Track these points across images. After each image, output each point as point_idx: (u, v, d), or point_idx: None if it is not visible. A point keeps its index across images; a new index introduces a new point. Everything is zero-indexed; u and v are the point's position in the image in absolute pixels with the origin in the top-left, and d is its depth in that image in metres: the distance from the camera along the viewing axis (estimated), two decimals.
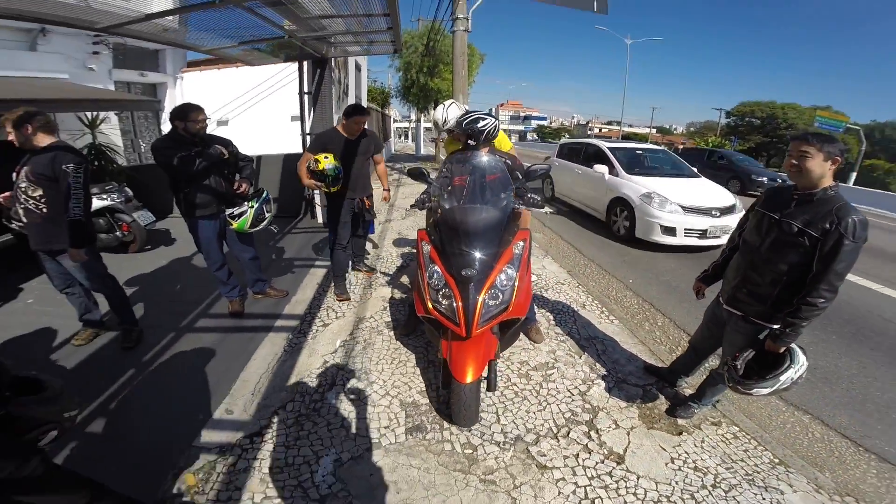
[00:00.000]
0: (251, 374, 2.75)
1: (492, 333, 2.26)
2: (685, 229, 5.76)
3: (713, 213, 5.87)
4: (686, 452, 2.29)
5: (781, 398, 2.89)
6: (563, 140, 11.45)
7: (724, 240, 5.58)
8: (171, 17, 3.26)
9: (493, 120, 2.71)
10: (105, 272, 2.94)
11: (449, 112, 3.12)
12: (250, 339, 3.16)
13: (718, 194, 6.39)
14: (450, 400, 2.22)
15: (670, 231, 5.79)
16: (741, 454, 2.30)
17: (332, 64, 5.79)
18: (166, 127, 9.62)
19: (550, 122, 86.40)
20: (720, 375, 2.20)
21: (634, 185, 6.41)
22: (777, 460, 2.27)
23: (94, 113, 6.24)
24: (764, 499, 2.03)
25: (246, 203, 3.30)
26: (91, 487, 1.44)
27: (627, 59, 38.64)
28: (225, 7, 2.90)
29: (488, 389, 2.24)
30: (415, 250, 5.35)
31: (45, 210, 2.57)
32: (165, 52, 9.17)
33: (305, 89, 5.82)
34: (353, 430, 2.30)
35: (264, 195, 3.43)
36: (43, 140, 2.55)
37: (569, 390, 2.74)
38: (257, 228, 3.38)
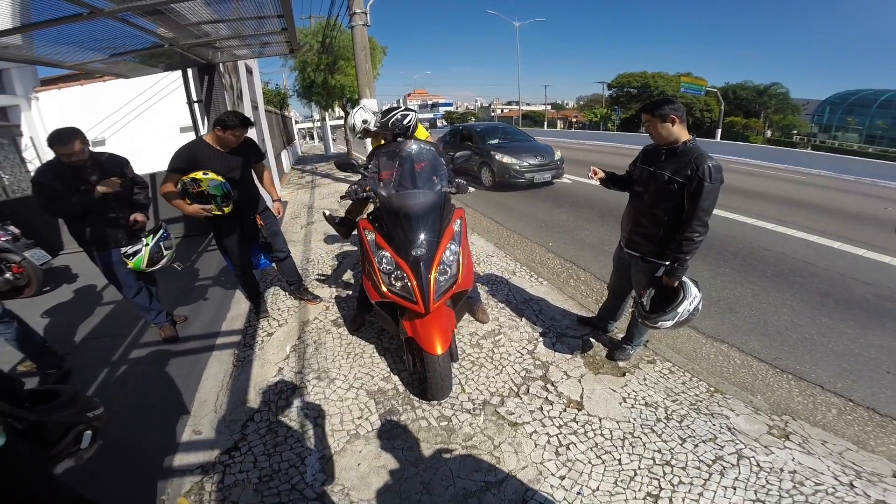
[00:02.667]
0: (207, 393, 2.66)
1: (447, 306, 2.41)
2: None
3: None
4: (634, 391, 2.51)
5: (699, 331, 3.31)
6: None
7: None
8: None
9: (413, 113, 2.89)
10: (4, 312, 2.61)
11: (357, 117, 3.14)
12: (194, 360, 3.02)
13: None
14: (426, 376, 2.34)
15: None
16: (680, 387, 2.53)
17: (221, 69, 5.44)
18: (28, 154, 8.44)
19: (457, 107, 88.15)
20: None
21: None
22: (713, 389, 2.50)
23: None
24: (714, 425, 2.23)
25: (142, 241, 2.94)
26: None
27: (517, 41, 40.25)
28: (91, 19, 2.56)
29: (451, 360, 2.40)
30: (345, 246, 5.35)
31: None
32: (10, 71, 7.93)
33: (194, 97, 5.41)
34: (329, 426, 2.32)
35: (161, 232, 3.05)
36: None
37: (518, 351, 2.95)
38: (155, 268, 3.00)
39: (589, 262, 4.75)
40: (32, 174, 2.63)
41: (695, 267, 4.44)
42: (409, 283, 2.24)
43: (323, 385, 2.68)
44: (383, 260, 2.35)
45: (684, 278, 2.22)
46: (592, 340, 3.05)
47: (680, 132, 2.19)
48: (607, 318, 3.08)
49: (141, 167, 6.40)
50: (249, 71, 9.51)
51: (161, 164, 6.74)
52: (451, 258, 2.36)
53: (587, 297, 3.89)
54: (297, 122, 30.38)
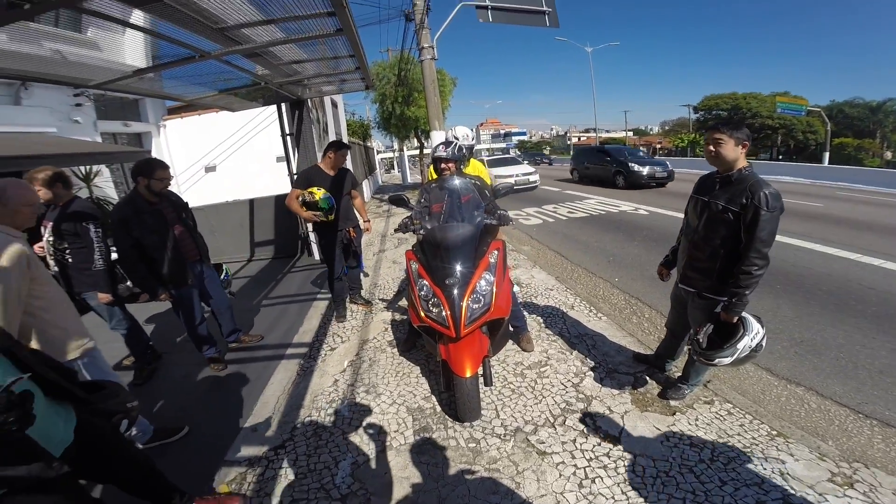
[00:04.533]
0: (269, 396, 3.01)
1: (482, 333, 2.52)
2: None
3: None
4: (681, 430, 2.36)
5: (772, 373, 3.05)
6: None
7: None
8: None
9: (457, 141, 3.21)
10: (125, 315, 3.23)
11: (452, 132, 3.48)
12: (265, 366, 3.43)
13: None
14: (454, 397, 2.46)
15: None
16: (737, 429, 2.35)
17: (309, 104, 6.10)
18: None
19: (531, 136, 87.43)
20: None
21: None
22: (775, 432, 2.30)
23: (89, 167, 6.23)
24: (765, 469, 2.06)
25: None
26: None
27: (590, 66, 40.09)
28: (201, 61, 3.11)
29: (485, 384, 2.49)
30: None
31: (70, 260, 2.86)
32: (145, 101, 9.06)
33: (287, 130, 6.11)
34: (367, 436, 2.51)
35: (222, 276, 4.01)
36: (66, 196, 2.86)
37: (562, 383, 2.90)
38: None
39: (657, 299, 4.45)
40: (112, 211, 2.94)
41: (776, 305, 4.10)
42: (443, 311, 2.40)
43: (370, 398, 2.88)
44: (423, 288, 2.55)
45: (744, 313, 2.11)
46: (647, 378, 2.90)
47: (741, 159, 2.13)
48: (665, 356, 2.93)
49: (245, 193, 7.23)
50: (335, 105, 10.48)
51: (260, 190, 7.65)
52: (486, 288, 2.47)
53: (649, 335, 3.67)
54: (378, 153, 32.21)
